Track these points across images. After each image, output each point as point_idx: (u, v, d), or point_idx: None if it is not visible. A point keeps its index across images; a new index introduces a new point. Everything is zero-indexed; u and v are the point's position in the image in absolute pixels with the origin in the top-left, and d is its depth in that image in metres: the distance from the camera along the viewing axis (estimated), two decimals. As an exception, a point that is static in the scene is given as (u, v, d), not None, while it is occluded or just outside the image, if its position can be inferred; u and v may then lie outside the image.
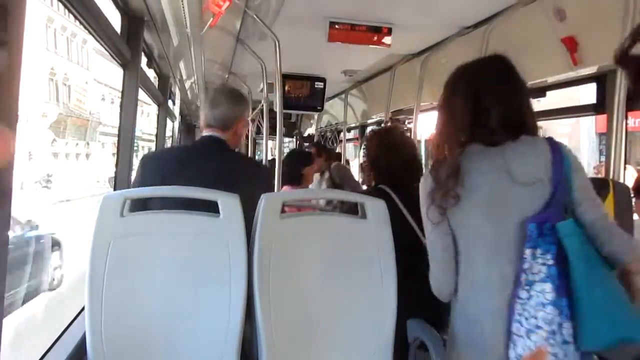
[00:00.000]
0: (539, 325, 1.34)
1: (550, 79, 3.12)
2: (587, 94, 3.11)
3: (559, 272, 1.35)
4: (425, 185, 1.54)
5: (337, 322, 1.73)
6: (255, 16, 2.67)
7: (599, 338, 1.33)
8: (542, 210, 1.40)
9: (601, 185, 1.88)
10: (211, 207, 1.64)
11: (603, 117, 2.84)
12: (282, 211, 1.74)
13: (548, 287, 1.34)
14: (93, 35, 2.06)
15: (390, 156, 2.18)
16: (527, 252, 1.38)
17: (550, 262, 1.35)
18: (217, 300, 1.61)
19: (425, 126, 4.60)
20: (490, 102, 1.47)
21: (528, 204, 1.42)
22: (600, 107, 2.88)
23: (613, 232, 1.40)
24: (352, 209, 1.87)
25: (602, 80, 2.81)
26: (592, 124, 12.48)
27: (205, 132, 2.06)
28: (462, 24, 2.91)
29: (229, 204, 1.63)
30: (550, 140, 1.49)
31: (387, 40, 3.01)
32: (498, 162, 1.46)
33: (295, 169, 3.45)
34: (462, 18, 2.83)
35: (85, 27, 1.97)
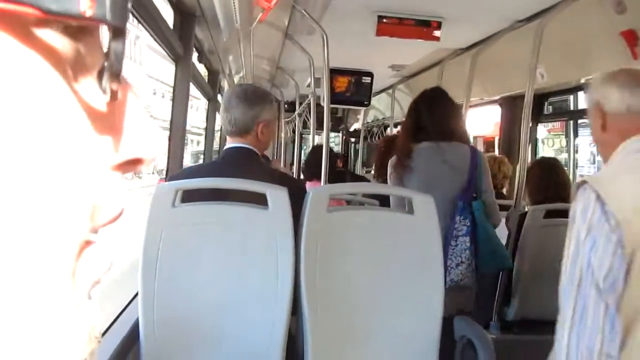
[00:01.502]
0: (462, 261, 2.19)
1: (608, 74, 3.00)
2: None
3: (471, 230, 2.20)
4: (392, 162, 2.38)
5: (384, 318, 1.72)
6: (303, 11, 2.68)
7: (491, 266, 2.30)
8: (464, 191, 2.23)
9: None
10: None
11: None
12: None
13: (467, 239, 2.20)
14: (148, 31, 2.13)
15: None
16: (457, 218, 2.21)
17: (468, 224, 2.20)
18: (264, 292, 1.64)
19: (475, 122, 4.52)
20: (425, 119, 2.34)
21: (453, 184, 2.24)
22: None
23: (495, 211, 2.33)
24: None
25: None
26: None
27: (229, 142, 1.92)
28: (515, 17, 2.83)
29: (277, 196, 1.65)
30: (471, 147, 2.40)
31: (436, 34, 2.96)
32: (438, 153, 2.27)
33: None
34: (515, 11, 2.76)
35: (140, 23, 2.04)
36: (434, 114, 2.34)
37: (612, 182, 1.19)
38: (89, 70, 0.25)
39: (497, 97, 4.19)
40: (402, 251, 1.74)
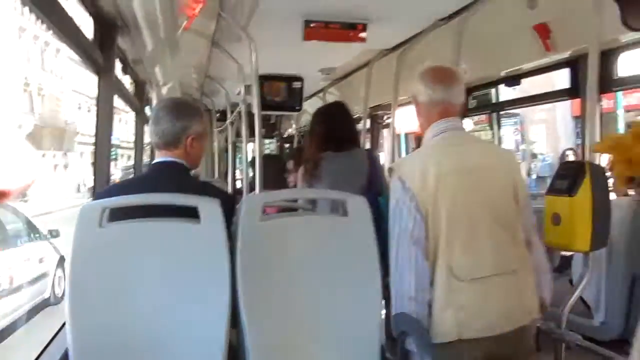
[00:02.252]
0: None
1: (525, 67, 3.14)
2: (561, 79, 3.16)
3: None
4: (300, 171, 2.75)
5: (324, 322, 1.72)
6: (229, 18, 2.64)
7: None
8: (367, 190, 2.55)
9: (578, 169, 1.90)
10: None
11: (578, 101, 2.87)
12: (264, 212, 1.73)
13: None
14: (65, 43, 2.02)
15: None
16: None
17: (375, 216, 2.27)
18: (201, 307, 1.59)
19: (404, 120, 4.62)
20: (337, 128, 2.74)
21: (357, 184, 2.54)
22: (574, 91, 2.92)
23: None
24: None
25: (575, 64, 2.84)
26: (568, 108, 12.63)
27: (157, 156, 1.87)
28: (436, 17, 2.91)
29: (209, 209, 1.61)
30: (367, 150, 3.04)
31: (362, 36, 3.01)
32: (343, 160, 2.67)
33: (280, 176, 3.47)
34: (436, 10, 2.84)
35: (56, 35, 1.94)
36: (344, 125, 2.77)
37: (407, 164, 1.73)
38: None
39: (424, 95, 4.28)
40: (339, 253, 1.75)
